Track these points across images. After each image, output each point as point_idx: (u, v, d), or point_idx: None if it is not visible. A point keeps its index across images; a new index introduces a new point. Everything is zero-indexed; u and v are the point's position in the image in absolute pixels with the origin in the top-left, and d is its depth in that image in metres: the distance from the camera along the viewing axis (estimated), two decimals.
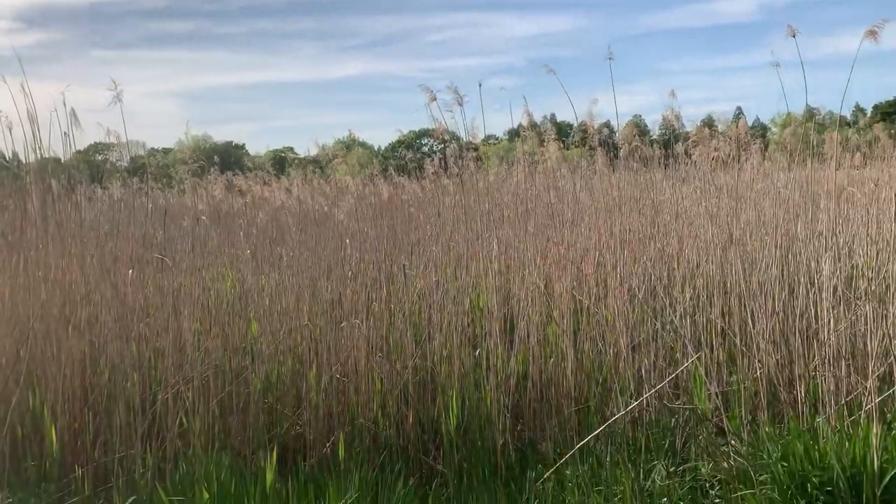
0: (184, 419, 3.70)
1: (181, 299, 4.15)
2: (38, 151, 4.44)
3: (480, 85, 3.99)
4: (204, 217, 5.04)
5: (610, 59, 4.23)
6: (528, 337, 4.42)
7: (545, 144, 5.99)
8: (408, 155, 9.66)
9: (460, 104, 3.95)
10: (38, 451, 3.55)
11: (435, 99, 3.95)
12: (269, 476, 3.15)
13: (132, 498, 3.25)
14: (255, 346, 4.33)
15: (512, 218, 5.48)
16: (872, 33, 3.13)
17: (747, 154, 6.91)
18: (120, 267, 4.03)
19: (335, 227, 5.40)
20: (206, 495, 2.98)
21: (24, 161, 5.33)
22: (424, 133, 44.80)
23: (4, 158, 5.77)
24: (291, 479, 3.31)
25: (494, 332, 4.25)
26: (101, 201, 6.94)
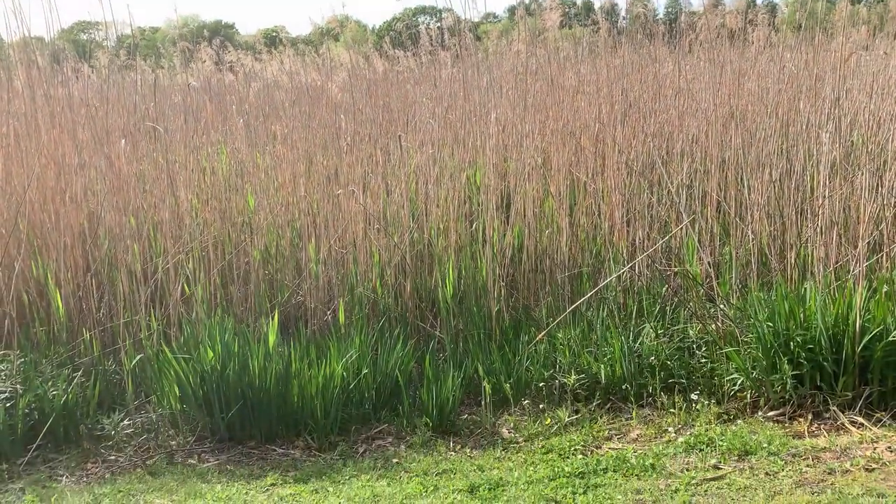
0: (185, 287, 3.78)
1: (177, 172, 4.13)
2: (21, 28, 4.28)
3: None
4: (194, 81, 4.91)
5: None
6: (525, 211, 4.44)
7: (547, 13, 5.76)
8: (404, 30, 9.31)
9: None
10: (46, 316, 3.66)
11: None
12: (272, 337, 3.26)
13: (139, 355, 3.38)
14: (254, 220, 4.36)
15: (510, 93, 5.35)
16: None
17: (754, 27, 6.68)
18: (112, 139, 3.98)
19: (329, 101, 5.28)
20: (211, 354, 3.10)
21: (6, 40, 5.16)
22: (421, 10, 43.03)
23: None
24: (294, 341, 3.43)
25: (491, 206, 4.27)
26: (89, 77, 6.76)
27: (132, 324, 3.60)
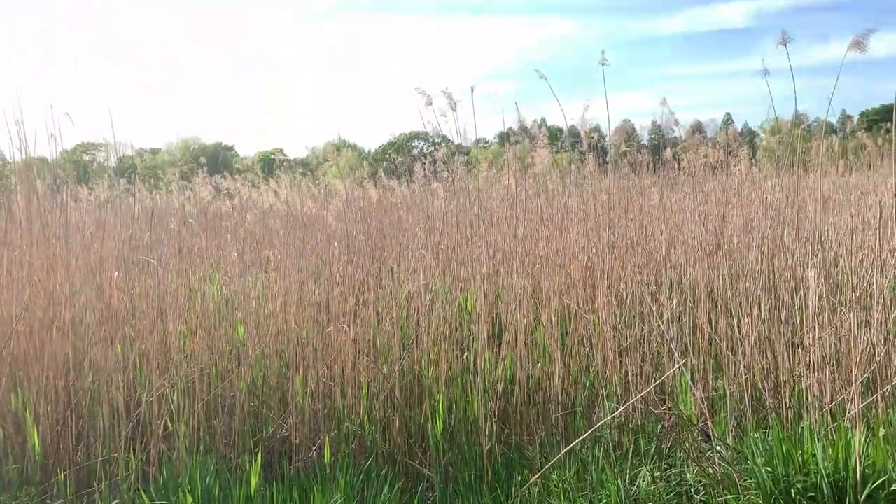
0: (168, 422, 3.68)
1: (167, 302, 4.13)
2: (23, 151, 4.40)
3: (472, 90, 3.99)
4: (191, 220, 5.00)
5: (603, 64, 4.24)
6: (516, 341, 4.42)
7: (536, 149, 6.00)
8: (398, 158, 9.65)
9: (454, 109, 3.95)
10: (21, 453, 3.52)
11: (430, 103, 3.95)
12: (254, 480, 3.13)
13: (115, 502, 3.22)
14: (242, 350, 4.32)
15: (501, 222, 5.48)
16: (857, 44, 3.15)
17: (736, 160, 6.97)
18: (106, 268, 4.00)
19: (323, 229, 5.38)
20: (190, 499, 2.96)
21: (9, 160, 5.30)
22: (415, 136, 44.75)
23: None
24: (276, 482, 3.29)
25: (482, 336, 4.25)
26: (88, 202, 6.90)
27: (110, 462, 3.46)
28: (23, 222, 4.18)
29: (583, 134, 5.61)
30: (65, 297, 3.82)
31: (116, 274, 3.88)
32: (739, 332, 4.20)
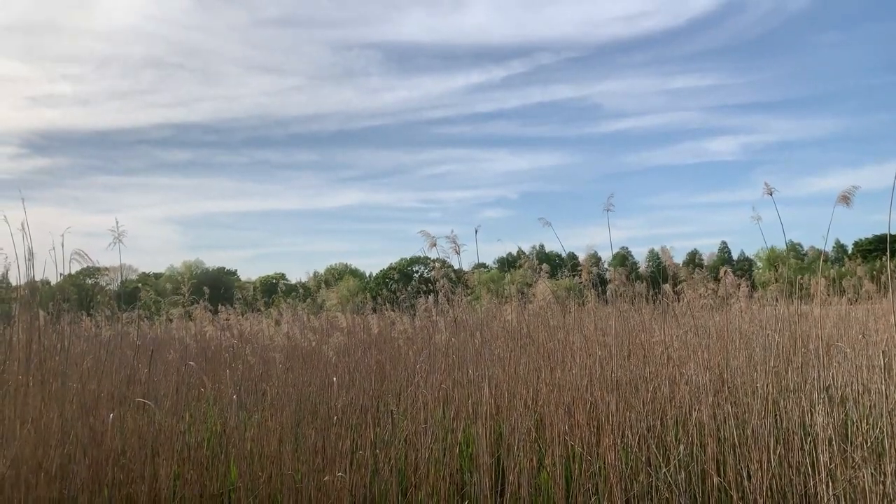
0: None
1: (160, 443, 4.02)
2: (30, 275, 4.44)
3: (476, 231, 4.10)
4: (192, 363, 4.96)
5: (608, 210, 4.39)
6: (520, 488, 4.26)
7: (535, 283, 6.06)
8: (398, 289, 9.72)
9: (457, 252, 4.06)
10: None
11: (435, 244, 4.07)
12: None
13: None
14: (234, 495, 4.15)
15: (503, 356, 5.44)
16: (845, 198, 3.28)
17: (736, 296, 7.01)
18: (101, 407, 3.92)
19: (324, 365, 5.33)
20: None
21: (13, 283, 5.35)
22: (416, 261, 45.48)
23: None
24: None
25: (484, 484, 4.10)
26: (87, 330, 6.87)
27: None
28: (21, 359, 4.14)
29: (586, 272, 5.69)
30: (56, 438, 3.71)
31: (112, 415, 3.80)
32: (749, 480, 4.06)
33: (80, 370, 4.31)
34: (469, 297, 7.40)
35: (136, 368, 4.43)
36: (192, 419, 4.38)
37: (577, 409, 4.81)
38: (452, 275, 7.07)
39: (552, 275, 7.03)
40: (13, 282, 5.42)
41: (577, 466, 4.52)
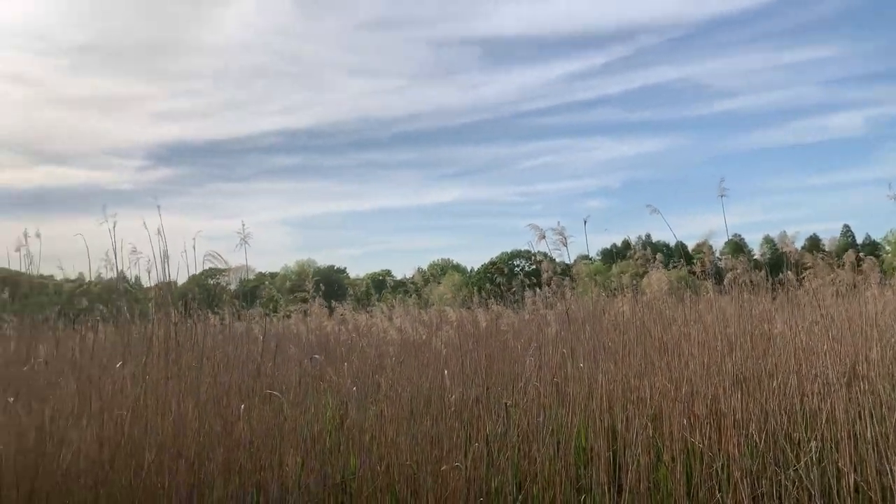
0: None
1: (286, 433, 4.21)
2: (166, 275, 4.78)
3: (586, 222, 4.02)
4: (318, 356, 5.17)
5: (722, 196, 4.20)
6: (639, 483, 4.16)
7: (649, 273, 5.90)
8: (501, 280, 9.71)
9: (565, 244, 4.00)
10: None
11: (544, 237, 4.03)
12: None
13: None
14: (354, 484, 4.29)
15: (616, 349, 5.32)
16: None
17: (867, 283, 6.53)
18: (231, 399, 4.15)
19: (435, 358, 5.41)
20: None
21: (144, 285, 5.80)
22: (517, 255, 45.35)
23: (128, 282, 6.25)
24: None
25: (601, 479, 4.03)
26: (214, 327, 7.29)
27: None
28: (160, 354, 4.45)
29: (707, 259, 5.47)
30: (192, 428, 3.97)
31: (243, 406, 4.02)
32: (893, 482, 3.77)
33: (212, 364, 4.58)
34: (577, 290, 7.29)
35: (261, 362, 4.66)
36: (314, 411, 4.56)
37: (696, 403, 4.64)
38: (558, 267, 7.00)
39: (664, 264, 6.80)
40: (144, 283, 5.86)
41: (697, 463, 4.36)
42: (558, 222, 4.03)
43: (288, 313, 8.74)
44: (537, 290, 6.87)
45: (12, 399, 3.63)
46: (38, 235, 4.60)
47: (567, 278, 7.21)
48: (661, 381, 4.73)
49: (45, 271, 5.50)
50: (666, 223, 4.49)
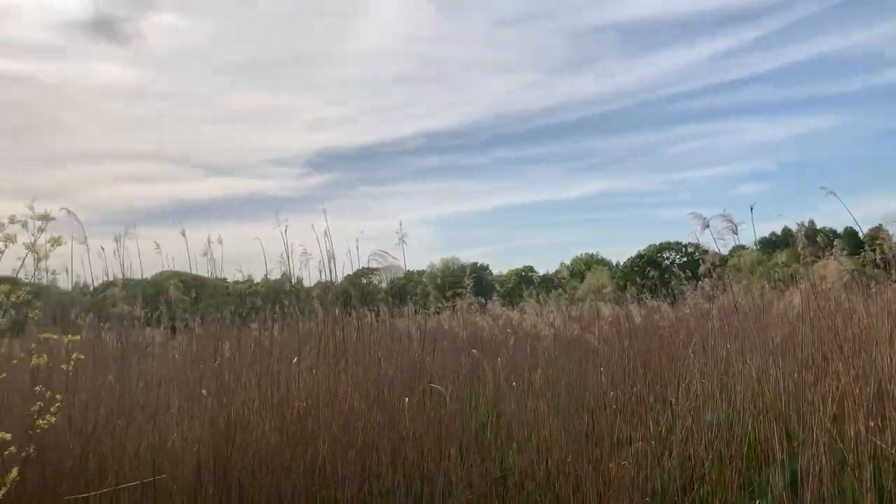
0: None
1: (446, 426, 4.31)
2: (330, 274, 5.07)
3: (752, 209, 3.77)
4: (475, 351, 5.26)
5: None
6: (821, 488, 3.85)
7: (824, 261, 5.42)
8: (655, 275, 9.36)
9: (735, 232, 3.76)
10: None
11: (708, 226, 3.82)
12: None
13: None
14: (513, 479, 4.31)
15: (789, 345, 4.95)
16: None
17: None
18: (395, 393, 4.31)
19: (590, 354, 5.31)
20: None
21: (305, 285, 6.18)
22: (665, 247, 43.47)
23: (291, 283, 6.68)
24: None
25: (776, 483, 3.77)
26: (370, 324, 7.61)
27: None
28: (328, 349, 4.71)
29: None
30: (361, 420, 4.16)
31: (406, 399, 4.16)
32: None
33: (374, 359, 4.78)
34: (741, 282, 6.87)
35: (420, 357, 4.80)
36: (473, 405, 4.63)
37: (886, 403, 4.22)
38: (720, 259, 6.62)
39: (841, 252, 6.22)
40: (305, 283, 6.23)
41: (891, 469, 3.96)
42: (724, 209, 3.80)
43: (438, 310, 8.96)
44: (696, 282, 6.54)
45: (205, 392, 3.99)
46: (219, 241, 5.03)
47: (725, 269, 6.82)
48: (844, 378, 4.34)
49: (224, 274, 5.99)
50: (844, 206, 4.10)
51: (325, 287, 6.10)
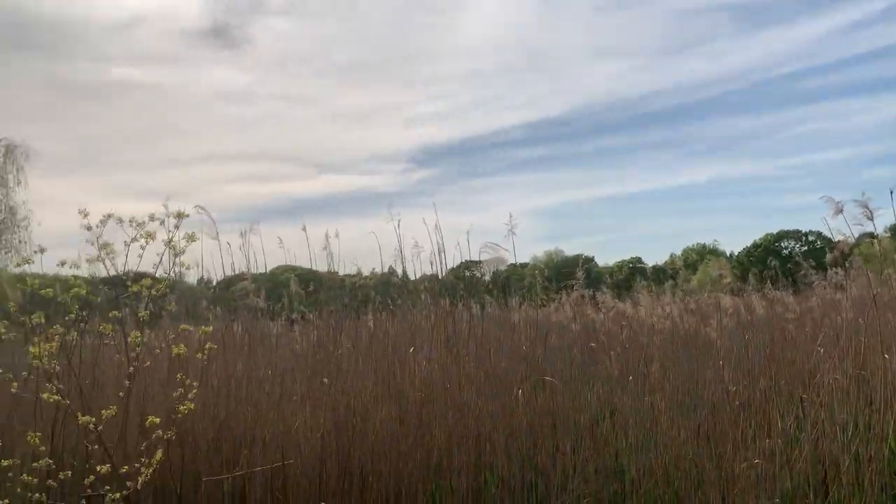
0: None
1: (559, 419, 4.26)
2: (440, 267, 5.14)
3: (893, 193, 3.47)
4: (593, 343, 5.18)
5: None
6: None
7: None
8: (777, 264, 8.85)
9: (870, 218, 3.48)
10: None
11: (841, 211, 3.56)
12: None
13: None
14: (628, 474, 4.21)
15: None
16: None
17: None
18: (508, 385, 4.30)
19: (709, 347, 5.10)
20: None
21: (410, 278, 6.28)
22: (784, 235, 40.88)
23: (397, 276, 6.81)
24: None
25: None
26: (475, 316, 7.64)
27: None
28: (440, 340, 4.77)
29: None
30: (474, 412, 4.18)
31: (520, 391, 4.15)
32: None
33: (486, 351, 4.80)
34: (876, 271, 6.37)
35: (531, 349, 4.78)
36: (587, 398, 4.57)
37: None
38: (850, 248, 6.18)
39: None
40: (411, 276, 6.34)
41: None
42: (863, 193, 3.52)
43: (543, 302, 8.86)
44: (823, 272, 6.13)
45: (326, 380, 4.15)
46: (336, 236, 5.21)
47: (854, 258, 6.34)
48: None
49: (341, 268, 6.20)
50: None
51: (431, 280, 6.19)
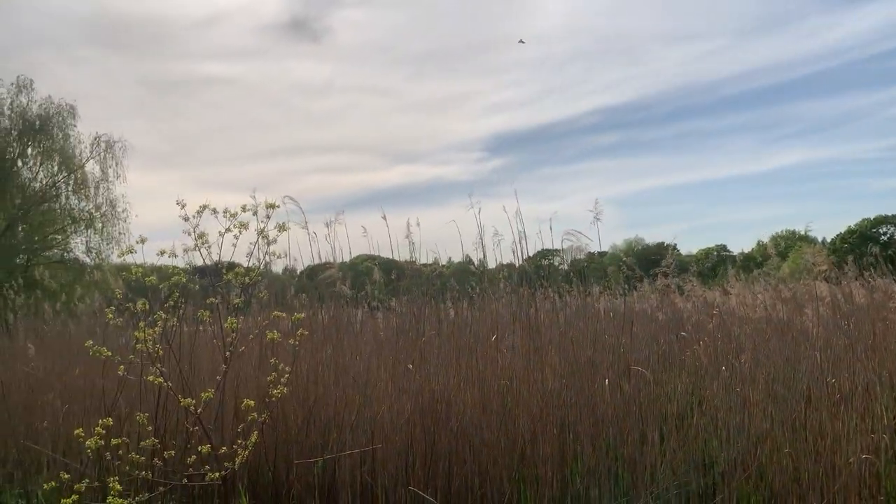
0: None
1: (646, 409, 4.17)
2: (521, 255, 5.11)
3: None
4: (684, 333, 5.05)
5: None
6: None
7: None
8: (877, 251, 8.33)
9: None
10: None
11: None
12: None
13: None
14: (717, 467, 4.08)
15: None
16: None
17: None
18: (593, 374, 4.24)
19: (804, 337, 4.86)
20: None
21: (486, 267, 6.29)
22: (881, 220, 38.41)
23: (473, 265, 6.81)
24: None
25: None
26: (554, 303, 7.56)
27: None
28: (516, 329, 4.75)
29: None
30: (555, 401, 4.14)
31: (606, 381, 4.09)
32: None
33: (567, 339, 4.74)
34: None
35: (617, 339, 4.69)
36: (676, 388, 4.45)
37: None
38: None
39: None
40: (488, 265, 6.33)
41: None
42: None
43: (625, 291, 8.66)
44: None
45: (411, 366, 4.20)
46: (418, 224, 5.26)
47: None
48: None
49: (422, 256, 6.26)
50: None
51: (510, 268, 6.16)
